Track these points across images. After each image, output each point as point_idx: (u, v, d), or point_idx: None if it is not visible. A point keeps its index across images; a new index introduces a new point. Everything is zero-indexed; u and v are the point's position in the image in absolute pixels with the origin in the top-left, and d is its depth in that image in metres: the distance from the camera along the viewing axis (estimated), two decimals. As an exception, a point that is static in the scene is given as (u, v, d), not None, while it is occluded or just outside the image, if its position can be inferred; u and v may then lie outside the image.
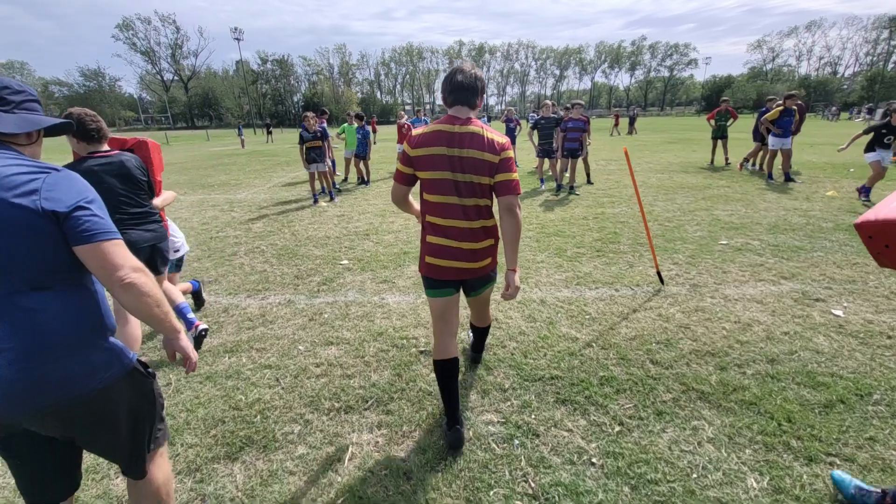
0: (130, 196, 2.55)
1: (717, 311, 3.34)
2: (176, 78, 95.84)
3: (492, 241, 2.07)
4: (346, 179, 10.50)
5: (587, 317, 3.33)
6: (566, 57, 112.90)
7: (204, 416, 2.35)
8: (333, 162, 8.96)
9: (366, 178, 10.03)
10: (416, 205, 2.18)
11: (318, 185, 8.21)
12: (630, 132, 25.98)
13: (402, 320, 3.39)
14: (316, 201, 8.05)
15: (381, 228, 6.06)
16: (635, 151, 15.18)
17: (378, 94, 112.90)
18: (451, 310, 2.12)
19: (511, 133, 11.60)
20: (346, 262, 4.74)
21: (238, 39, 55.00)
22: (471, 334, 2.77)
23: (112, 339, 1.25)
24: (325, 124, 8.93)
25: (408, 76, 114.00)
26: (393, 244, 5.34)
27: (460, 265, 2.01)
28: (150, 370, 1.37)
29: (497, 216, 2.01)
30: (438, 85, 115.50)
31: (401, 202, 2.16)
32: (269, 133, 34.70)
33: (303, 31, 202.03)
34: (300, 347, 3.04)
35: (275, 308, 3.68)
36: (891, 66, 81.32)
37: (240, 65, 75.42)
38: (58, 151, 17.15)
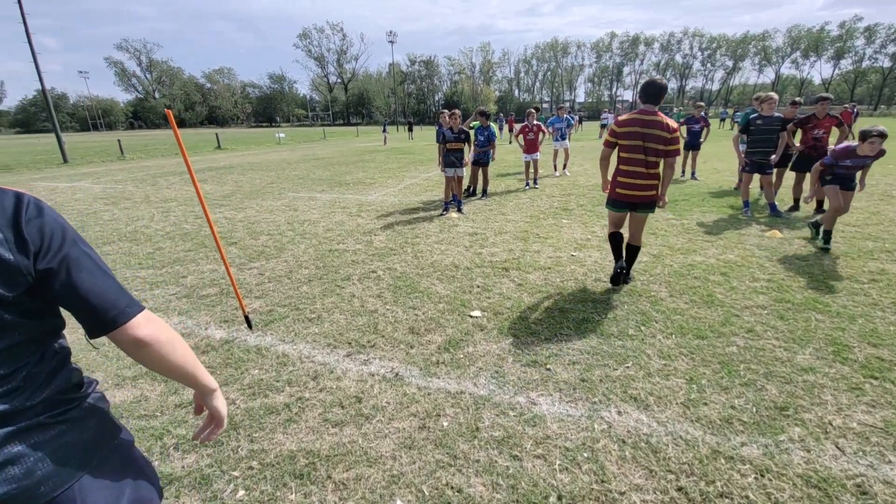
0: None
1: None
2: (338, 80, 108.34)
3: (656, 182, 3.58)
4: (470, 190, 8.63)
5: None
6: (744, 45, 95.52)
7: None
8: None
9: (483, 189, 8.33)
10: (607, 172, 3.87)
11: (450, 193, 7.18)
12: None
13: (572, 467, 1.93)
14: (446, 209, 7.02)
15: (523, 261, 4.64)
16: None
17: (516, 92, 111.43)
18: (622, 220, 3.81)
19: (695, 138, 9.15)
20: (478, 314, 3.45)
21: (392, 42, 59.02)
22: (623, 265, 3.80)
23: None
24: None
25: (549, 73, 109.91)
26: (542, 289, 3.88)
27: (635, 194, 3.58)
28: None
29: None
30: (581, 81, 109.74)
31: (604, 159, 3.78)
32: (410, 130, 36.04)
33: (450, 32, 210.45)
34: None
35: (377, 387, 2.56)
36: None
37: (391, 67, 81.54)
38: None
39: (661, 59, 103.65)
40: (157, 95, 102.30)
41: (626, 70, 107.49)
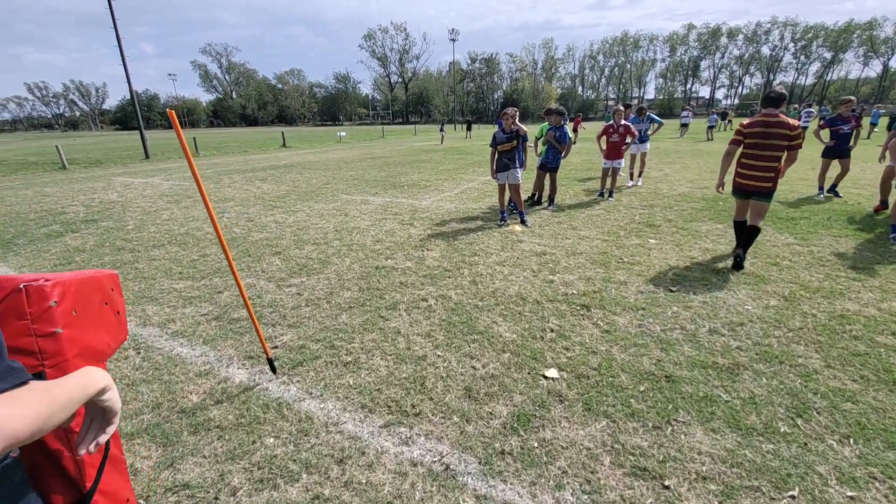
0: None
1: None
2: (399, 80, 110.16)
3: (773, 175, 4.08)
4: (534, 198, 7.71)
5: None
6: (846, 35, 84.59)
7: None
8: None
9: (550, 197, 7.39)
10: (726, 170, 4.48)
11: (506, 200, 6.38)
12: None
13: None
14: (504, 220, 6.23)
15: (607, 296, 3.75)
16: None
17: (579, 89, 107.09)
18: (745, 207, 4.35)
19: (844, 142, 7.25)
20: (554, 374, 2.66)
21: (453, 40, 58.51)
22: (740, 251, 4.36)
23: None
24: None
25: (616, 68, 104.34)
26: (637, 341, 3.00)
27: (753, 184, 4.17)
28: None
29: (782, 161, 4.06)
30: (651, 77, 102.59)
31: (729, 155, 4.35)
32: (469, 129, 35.33)
33: (514, 29, 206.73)
34: None
35: (419, 487, 1.87)
36: None
37: (451, 65, 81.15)
38: None
39: (746, 52, 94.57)
40: (234, 95, 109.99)
41: (703, 64, 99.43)
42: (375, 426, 2.25)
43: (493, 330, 3.20)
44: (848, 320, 3.20)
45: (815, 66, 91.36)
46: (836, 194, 7.54)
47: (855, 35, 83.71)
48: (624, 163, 7.82)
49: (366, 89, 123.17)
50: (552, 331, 3.17)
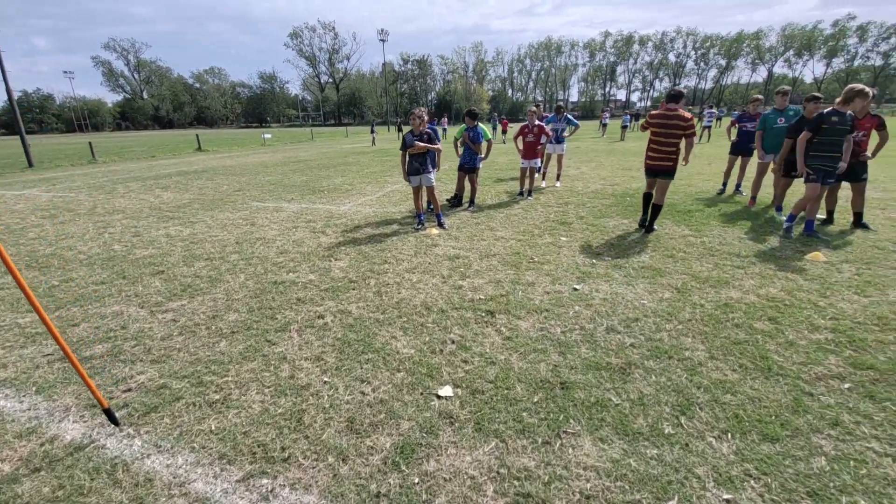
0: None
1: None
2: (330, 80, 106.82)
3: (674, 157, 5.12)
4: (455, 199, 7.50)
5: None
6: (737, 45, 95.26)
7: None
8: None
9: (471, 199, 7.29)
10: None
11: (424, 203, 6.20)
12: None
13: None
14: (421, 223, 6.04)
15: (514, 300, 3.66)
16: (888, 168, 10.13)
17: (509, 92, 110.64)
18: (653, 184, 5.35)
19: (749, 139, 7.19)
20: (448, 392, 2.47)
21: (383, 41, 57.75)
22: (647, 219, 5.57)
23: None
24: (435, 123, 6.99)
25: (542, 72, 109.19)
26: (537, 345, 2.91)
27: (658, 164, 5.18)
28: None
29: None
30: (574, 80, 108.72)
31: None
32: (400, 130, 34.97)
33: (446, 32, 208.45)
34: None
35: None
36: None
37: (385, 66, 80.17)
38: None
39: (655, 59, 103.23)
40: (144, 95, 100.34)
41: (619, 69, 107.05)
42: (232, 481, 1.91)
43: (391, 346, 2.96)
44: (731, 308, 3.36)
45: (713, 72, 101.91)
46: (740, 192, 7.77)
47: (745, 44, 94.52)
48: (540, 163, 7.93)
49: (295, 90, 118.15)
50: (453, 342, 2.99)
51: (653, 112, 5.27)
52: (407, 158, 5.84)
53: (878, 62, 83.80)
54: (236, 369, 2.74)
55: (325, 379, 2.62)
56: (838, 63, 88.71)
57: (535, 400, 2.37)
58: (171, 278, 4.36)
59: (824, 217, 5.78)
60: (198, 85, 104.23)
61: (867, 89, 4.81)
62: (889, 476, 1.85)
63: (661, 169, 5.22)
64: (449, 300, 3.66)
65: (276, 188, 10.05)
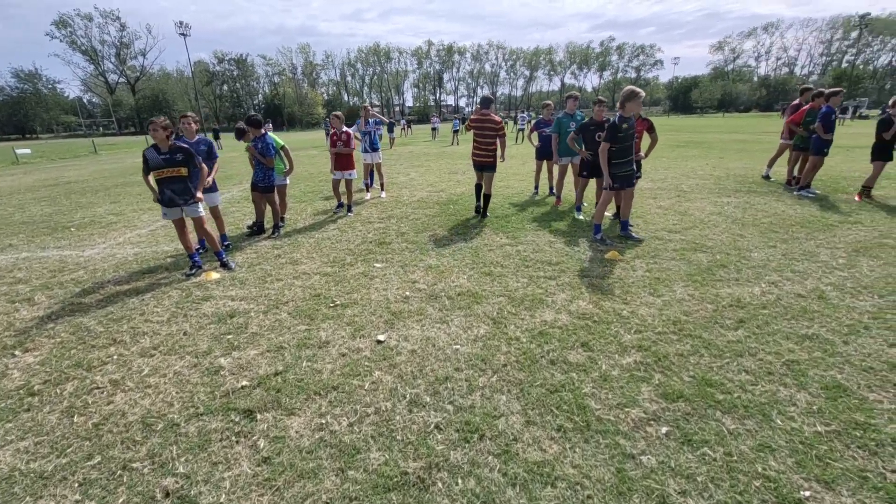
0: None
1: None
2: (122, 79, 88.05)
3: (492, 153, 6.02)
4: (255, 226, 6.10)
5: None
6: (536, 58, 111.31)
7: None
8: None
9: (275, 224, 5.99)
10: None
11: (194, 239, 4.76)
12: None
13: None
14: (196, 266, 4.55)
15: (293, 375, 2.66)
16: (645, 161, 12.29)
17: (345, 96, 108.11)
18: (480, 176, 6.26)
19: (549, 143, 7.05)
20: None
21: (184, 35, 49.33)
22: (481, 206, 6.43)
23: None
24: (268, 132, 5.70)
25: (375, 77, 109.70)
26: (306, 461, 1.98)
27: (481, 160, 6.07)
28: None
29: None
30: (408, 86, 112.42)
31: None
32: (217, 139, 30.22)
33: (270, 31, 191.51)
34: None
35: None
36: (845, 63, 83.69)
37: (196, 65, 69.06)
38: None
39: (474, 68, 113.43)
40: None
41: (446, 77, 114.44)
42: None
43: (40, 538, 1.67)
44: (546, 338, 2.99)
45: (521, 81, 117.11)
46: (555, 194, 7.79)
47: (542, 58, 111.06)
48: (356, 174, 7.05)
49: (74, 91, 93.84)
50: (168, 494, 1.85)
51: (472, 116, 6.09)
52: (155, 186, 4.28)
53: (633, 74, 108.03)
54: None
55: None
56: (608, 75, 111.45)
57: None
58: None
59: (615, 212, 6.28)
60: None
61: (638, 90, 5.13)
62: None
63: (484, 164, 6.07)
64: (190, 402, 2.46)
65: (-11, 229, 6.99)
